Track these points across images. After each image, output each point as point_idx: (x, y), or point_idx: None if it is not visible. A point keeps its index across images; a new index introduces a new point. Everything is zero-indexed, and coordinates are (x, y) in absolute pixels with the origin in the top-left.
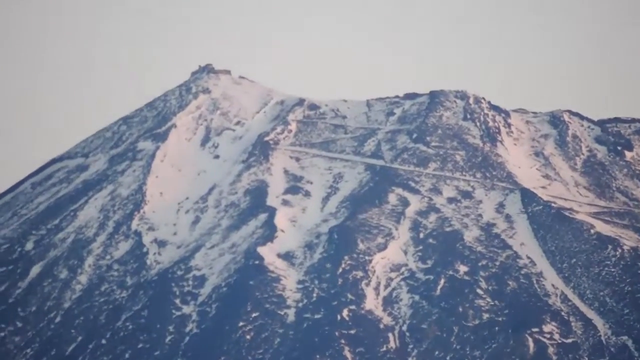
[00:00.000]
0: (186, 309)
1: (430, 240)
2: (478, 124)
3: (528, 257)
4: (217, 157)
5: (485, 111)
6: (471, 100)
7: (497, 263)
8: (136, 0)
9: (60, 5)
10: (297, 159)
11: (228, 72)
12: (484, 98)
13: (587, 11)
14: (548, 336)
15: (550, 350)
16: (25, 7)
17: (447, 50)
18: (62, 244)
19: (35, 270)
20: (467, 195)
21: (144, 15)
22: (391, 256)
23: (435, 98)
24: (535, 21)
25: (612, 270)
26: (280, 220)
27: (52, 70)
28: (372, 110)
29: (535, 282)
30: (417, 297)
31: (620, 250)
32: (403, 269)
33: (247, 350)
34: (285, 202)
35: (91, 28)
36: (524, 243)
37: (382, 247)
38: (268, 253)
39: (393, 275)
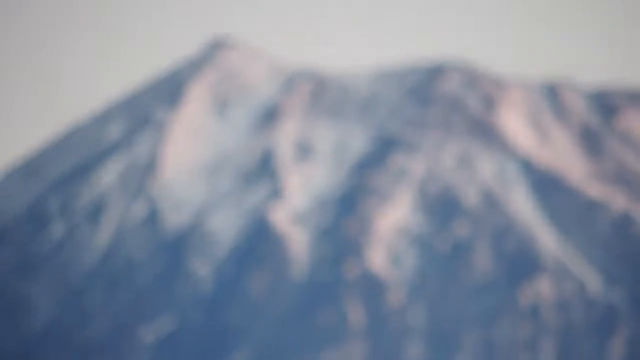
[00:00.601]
0: (200, 268)
1: (431, 202)
2: (477, 93)
3: (524, 219)
4: (229, 124)
5: (485, 81)
6: (471, 71)
7: (495, 224)
8: None
9: None
10: (305, 126)
11: (239, 44)
12: (484, 69)
13: None
14: (542, 293)
15: (544, 306)
16: None
17: (449, 22)
18: (83, 206)
19: (57, 230)
20: (466, 160)
21: None
22: (395, 218)
23: (436, 69)
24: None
25: (604, 231)
26: (289, 183)
27: (72, 40)
28: (376, 80)
29: (530, 242)
30: (418, 257)
31: (611, 212)
32: (405, 230)
33: (258, 307)
34: (293, 167)
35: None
36: (521, 205)
37: (386, 209)
38: (277, 215)
39: (396, 235)
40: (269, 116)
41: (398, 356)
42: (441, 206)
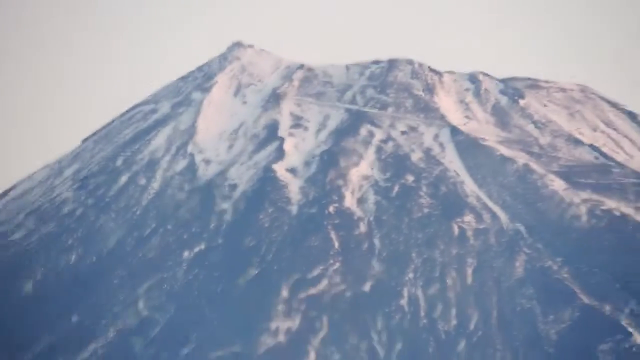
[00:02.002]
0: (224, 205)
1: (389, 160)
2: (421, 81)
3: (454, 171)
4: (244, 103)
5: (426, 72)
6: (416, 65)
7: (433, 174)
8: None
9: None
10: (299, 105)
11: (252, 46)
12: (424, 64)
13: None
14: (467, 224)
15: (469, 233)
16: None
17: (401, 30)
18: (141, 161)
19: (123, 179)
20: (413, 129)
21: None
22: (362, 170)
23: (392, 64)
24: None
25: (511, 179)
26: (287, 146)
27: (131, 40)
28: (349, 72)
29: (459, 187)
30: (379, 198)
31: (516, 165)
32: (370, 179)
33: (265, 233)
34: (290, 134)
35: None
36: (452, 161)
37: (356, 164)
38: (279, 168)
39: (363, 183)
40: (273, 98)
41: (365, 271)
42: (394, 162)
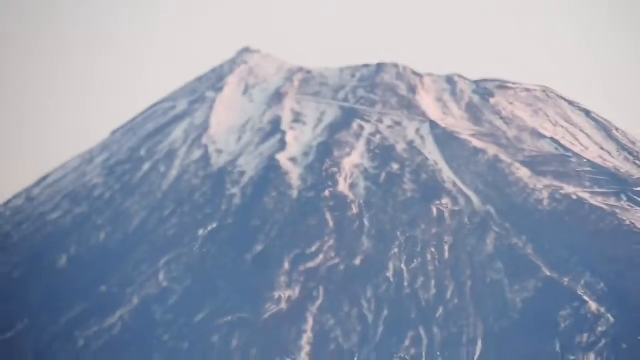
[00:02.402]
0: (233, 190)
1: (377, 151)
2: (405, 82)
3: (433, 160)
4: (251, 101)
5: (409, 74)
6: (400, 68)
7: (415, 163)
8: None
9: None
10: (298, 103)
11: (258, 51)
12: (408, 67)
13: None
14: (444, 206)
15: (446, 214)
16: None
17: (387, 34)
18: (161, 151)
19: (146, 166)
20: (398, 124)
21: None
22: (353, 159)
23: (380, 67)
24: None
25: (482, 167)
26: (289, 138)
27: (150, 48)
28: (342, 74)
29: (437, 174)
30: (368, 183)
31: (486, 155)
32: (360, 167)
33: (269, 214)
34: (291, 128)
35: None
36: (431, 152)
37: (348, 154)
38: (281, 158)
39: (354, 170)
40: (276, 96)
41: (356, 247)
42: (382, 152)
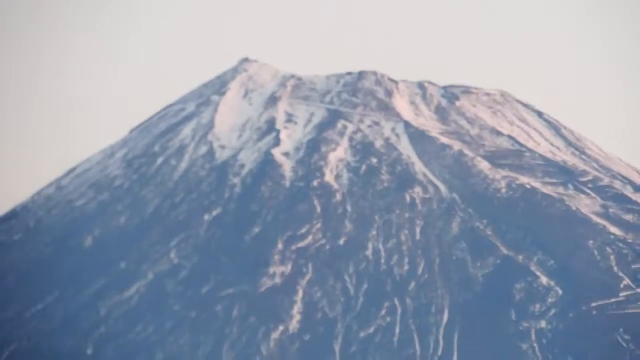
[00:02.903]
0: (234, 180)
1: (358, 147)
2: (382, 87)
3: (407, 155)
4: (250, 104)
5: (386, 81)
6: (379, 76)
7: (391, 157)
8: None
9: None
10: (291, 105)
11: (256, 61)
12: (385, 74)
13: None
14: (416, 194)
15: (417, 201)
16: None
17: (368, 45)
18: (173, 147)
19: (159, 160)
20: (376, 123)
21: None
22: (338, 154)
23: (361, 74)
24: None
25: (448, 161)
26: (282, 136)
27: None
28: (329, 80)
29: (410, 167)
30: (350, 174)
31: (452, 150)
32: (344, 160)
33: (265, 201)
34: (284, 127)
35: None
36: (405, 147)
37: (334, 149)
38: (276, 152)
39: (339, 163)
40: (272, 100)
41: (339, 229)
42: (362, 148)
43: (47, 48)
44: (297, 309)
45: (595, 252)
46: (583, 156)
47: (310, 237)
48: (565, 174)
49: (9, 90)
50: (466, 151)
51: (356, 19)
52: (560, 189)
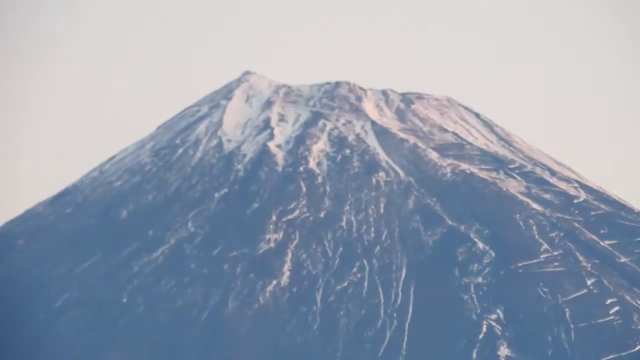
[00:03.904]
0: (239, 166)
1: (336, 140)
2: (354, 94)
3: (373, 147)
4: (251, 107)
5: (357, 89)
6: (351, 85)
7: (361, 149)
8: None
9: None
10: (283, 108)
11: (255, 73)
12: (356, 84)
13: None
14: (380, 178)
15: (381, 183)
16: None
17: (344, 58)
18: (189, 142)
19: (179, 151)
20: (349, 122)
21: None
22: (319, 146)
23: (337, 84)
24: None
25: (406, 152)
26: (276, 132)
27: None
28: (312, 88)
29: (375, 156)
30: (329, 162)
31: (409, 144)
32: (324, 151)
33: (262, 183)
34: (278, 125)
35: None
36: (372, 141)
37: (316, 142)
38: (271, 145)
39: (320, 153)
40: (267, 104)
41: (320, 205)
42: (338, 141)
43: (98, 54)
44: (287, 267)
45: (521, 223)
46: (511, 148)
47: (297, 211)
48: (497, 162)
49: (73, 90)
50: (420, 144)
51: (334, 39)
52: (494, 174)
